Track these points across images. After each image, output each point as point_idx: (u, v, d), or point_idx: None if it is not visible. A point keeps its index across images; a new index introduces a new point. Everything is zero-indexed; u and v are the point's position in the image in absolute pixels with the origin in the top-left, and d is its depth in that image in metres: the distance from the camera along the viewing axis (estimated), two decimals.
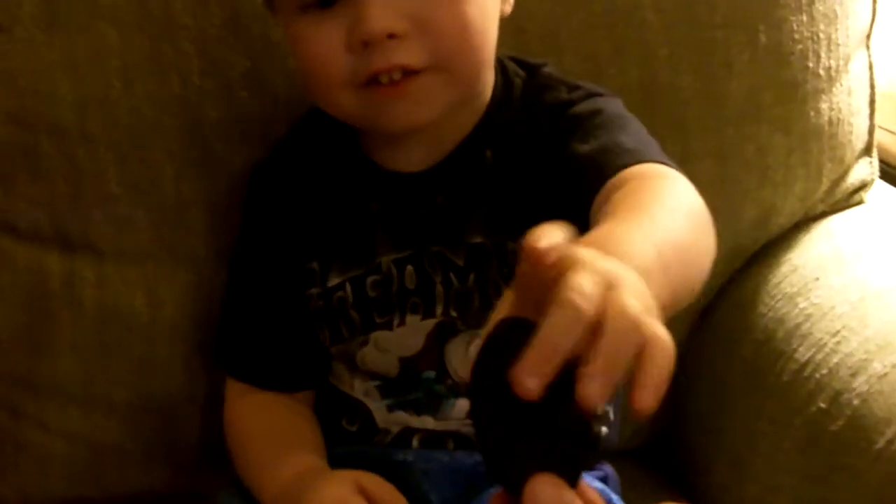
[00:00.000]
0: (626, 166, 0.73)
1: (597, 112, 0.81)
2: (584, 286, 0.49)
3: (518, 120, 0.85)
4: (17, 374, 1.00)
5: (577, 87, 0.85)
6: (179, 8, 0.96)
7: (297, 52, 0.81)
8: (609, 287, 0.50)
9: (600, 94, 0.84)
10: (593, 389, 0.47)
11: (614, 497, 0.86)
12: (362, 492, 0.78)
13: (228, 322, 0.94)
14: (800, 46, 1.04)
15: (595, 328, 0.48)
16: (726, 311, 1.04)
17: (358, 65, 0.77)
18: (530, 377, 0.47)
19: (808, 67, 1.04)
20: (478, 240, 0.84)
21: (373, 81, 0.78)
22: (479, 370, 0.52)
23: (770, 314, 1.00)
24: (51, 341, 0.99)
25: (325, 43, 0.78)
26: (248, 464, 0.88)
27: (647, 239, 0.58)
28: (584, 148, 0.78)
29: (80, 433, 1.01)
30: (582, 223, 0.59)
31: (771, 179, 1.05)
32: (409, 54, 0.77)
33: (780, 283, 1.02)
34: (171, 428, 1.02)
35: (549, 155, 0.81)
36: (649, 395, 0.48)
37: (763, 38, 1.03)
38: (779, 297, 1.01)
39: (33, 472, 1.02)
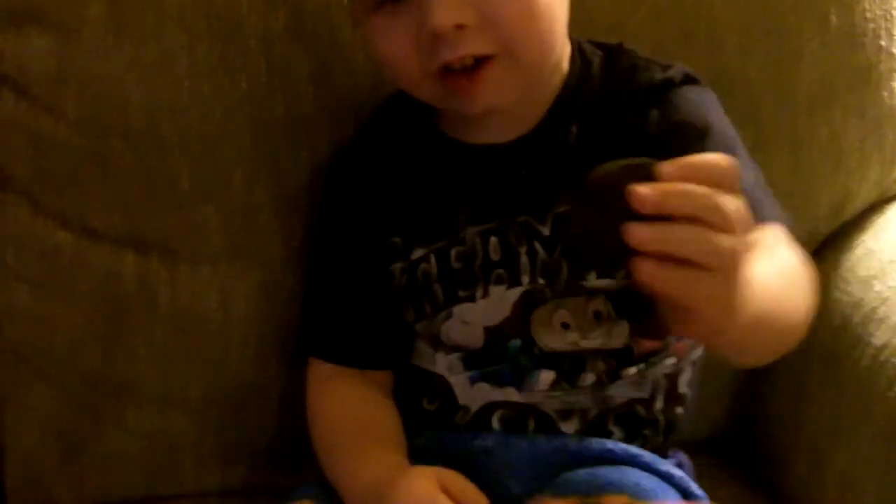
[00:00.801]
0: None
1: (707, 129, 0.84)
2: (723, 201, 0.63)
3: (602, 97, 0.88)
4: (96, 375, 1.02)
5: (669, 66, 0.88)
6: (245, 9, 0.98)
7: (374, 46, 0.86)
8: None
9: (695, 80, 0.88)
10: (641, 233, 0.62)
11: (693, 485, 0.87)
12: (444, 490, 0.80)
13: (311, 304, 0.96)
14: (872, 26, 1.04)
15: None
16: None
17: (430, 56, 0.81)
18: (648, 199, 0.62)
19: (881, 47, 1.04)
20: (566, 208, 0.86)
21: (446, 69, 0.82)
22: (605, 174, 0.66)
23: (846, 299, 1.00)
24: (127, 342, 1.02)
25: (398, 38, 0.83)
26: (330, 461, 0.90)
27: (763, 278, 0.70)
28: None
29: (158, 432, 1.03)
30: None
31: (845, 165, 1.05)
32: (476, 44, 0.81)
33: (854, 266, 1.02)
34: (246, 426, 1.04)
35: (650, 145, 0.82)
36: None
37: (834, 20, 1.03)
38: (854, 281, 1.01)
39: (114, 472, 1.04)
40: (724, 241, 0.63)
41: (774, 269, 0.76)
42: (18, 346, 1.03)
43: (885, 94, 1.05)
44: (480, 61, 0.82)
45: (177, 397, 1.03)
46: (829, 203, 1.06)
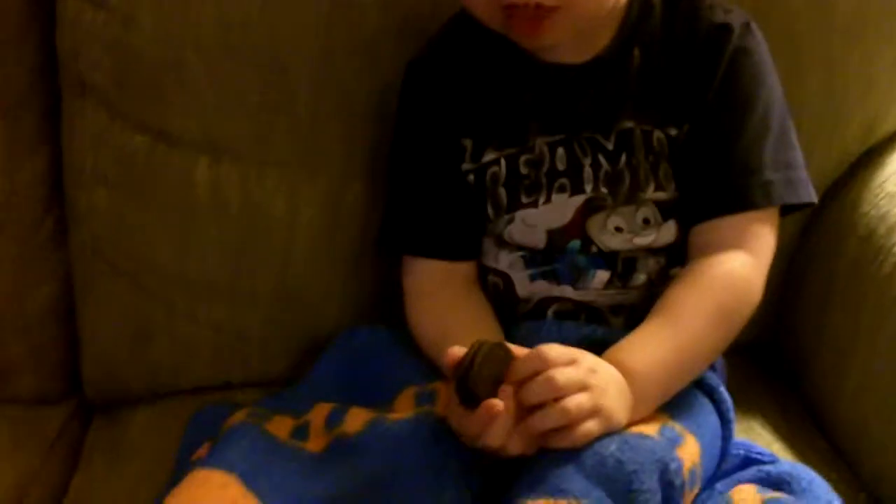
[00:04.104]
0: (740, 209, 0.98)
1: (753, 104, 0.98)
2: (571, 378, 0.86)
3: (661, 27, 1.00)
4: (169, 271, 1.13)
5: (730, 10, 0.99)
6: None
7: None
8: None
9: (751, 29, 1.00)
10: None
11: (721, 388, 0.98)
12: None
13: (393, 203, 1.06)
14: None
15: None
16: (834, 210, 1.14)
17: None
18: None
19: None
20: (629, 125, 0.99)
21: (514, 6, 0.92)
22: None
23: (873, 212, 1.09)
24: (199, 240, 1.12)
25: None
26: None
27: (663, 360, 0.92)
28: (726, 145, 0.98)
29: (227, 324, 1.14)
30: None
31: (877, 88, 1.13)
32: None
33: (883, 182, 1.11)
34: (308, 322, 1.15)
35: (702, 84, 0.98)
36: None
37: None
38: (881, 195, 1.10)
39: (185, 362, 1.15)
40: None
41: (679, 334, 0.93)
42: (97, 243, 1.13)
43: None
44: (542, 8, 0.92)
45: (245, 292, 1.13)
46: (860, 124, 1.14)
